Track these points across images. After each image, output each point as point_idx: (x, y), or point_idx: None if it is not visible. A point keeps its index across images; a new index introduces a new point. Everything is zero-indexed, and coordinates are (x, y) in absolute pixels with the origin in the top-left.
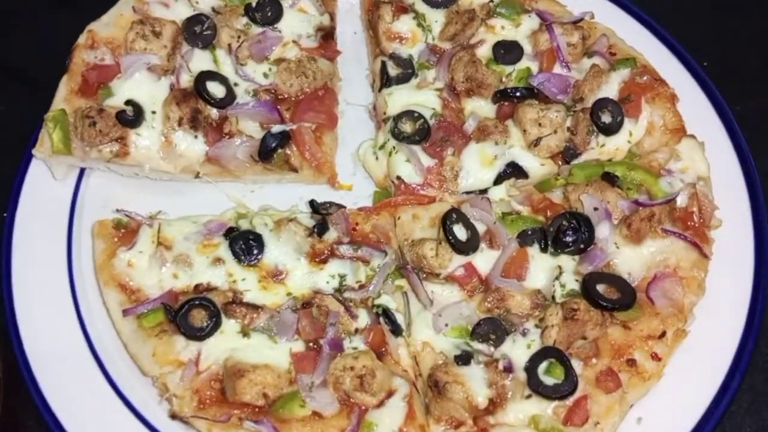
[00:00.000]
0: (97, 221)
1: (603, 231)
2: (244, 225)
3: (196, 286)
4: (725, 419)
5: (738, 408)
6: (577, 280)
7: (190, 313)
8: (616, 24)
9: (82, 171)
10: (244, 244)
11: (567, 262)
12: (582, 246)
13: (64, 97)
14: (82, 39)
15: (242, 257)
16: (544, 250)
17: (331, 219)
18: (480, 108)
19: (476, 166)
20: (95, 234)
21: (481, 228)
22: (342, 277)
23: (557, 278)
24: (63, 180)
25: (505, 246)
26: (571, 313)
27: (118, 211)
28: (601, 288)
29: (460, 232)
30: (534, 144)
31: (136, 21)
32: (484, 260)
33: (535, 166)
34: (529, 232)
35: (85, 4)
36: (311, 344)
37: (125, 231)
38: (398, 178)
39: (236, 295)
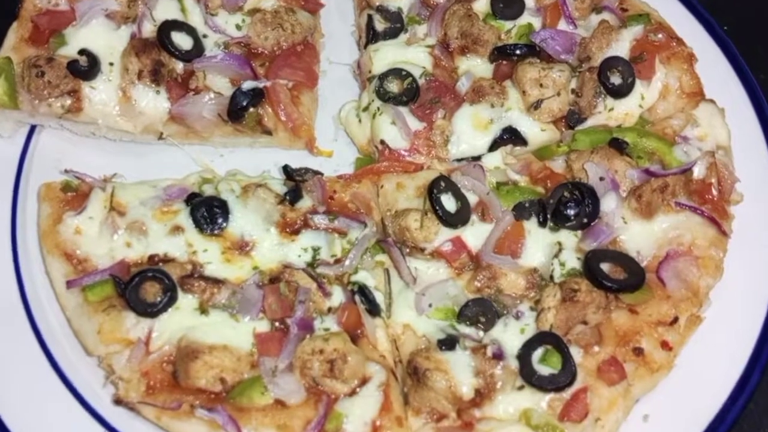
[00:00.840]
0: (44, 183)
1: (609, 203)
2: (208, 191)
3: (151, 257)
4: (743, 418)
5: (756, 406)
6: (578, 258)
7: (141, 287)
8: None
9: (32, 129)
10: (207, 211)
11: (568, 238)
12: (585, 220)
13: (12, 46)
14: None
15: (204, 226)
16: (542, 224)
17: (306, 186)
18: (475, 67)
19: (469, 130)
20: (41, 197)
21: (472, 199)
22: (316, 250)
23: (556, 256)
24: (10, 138)
25: (498, 219)
26: (571, 294)
27: (67, 172)
28: (605, 267)
29: (449, 203)
30: (534, 107)
31: None
32: (475, 234)
33: (535, 131)
34: (527, 204)
35: None
36: (277, 324)
37: (75, 194)
38: (382, 142)
39: (196, 267)
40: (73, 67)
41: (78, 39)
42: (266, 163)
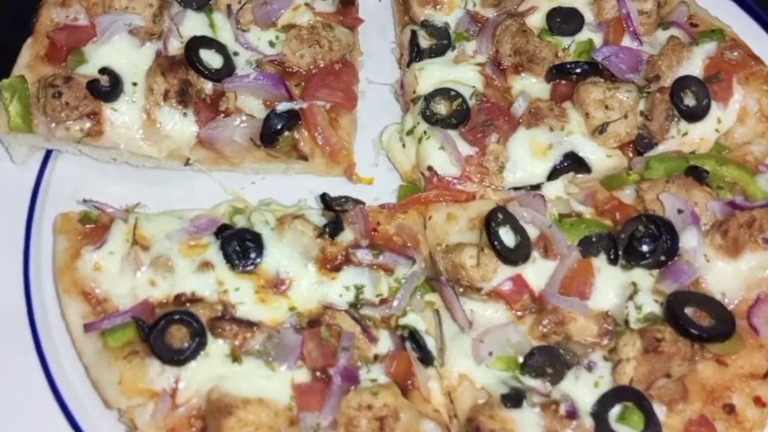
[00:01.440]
0: (60, 214)
1: (689, 239)
2: (240, 222)
3: (178, 297)
4: None
5: None
6: (656, 301)
7: (167, 330)
8: None
9: (48, 154)
10: (240, 245)
11: (643, 277)
12: (662, 258)
13: (27, 64)
14: None
15: (236, 261)
16: (613, 261)
17: (347, 217)
18: (530, 87)
19: (526, 156)
20: (57, 229)
21: (532, 232)
22: (359, 289)
23: (631, 298)
24: (23, 164)
25: (563, 255)
26: (654, 343)
27: (86, 201)
28: (689, 311)
29: (507, 237)
30: (599, 131)
31: None
32: (537, 273)
33: (600, 157)
34: (594, 239)
35: None
36: (318, 374)
37: (94, 226)
38: (430, 168)
39: (227, 308)
40: (93, 87)
41: (99, 56)
42: (301, 190)
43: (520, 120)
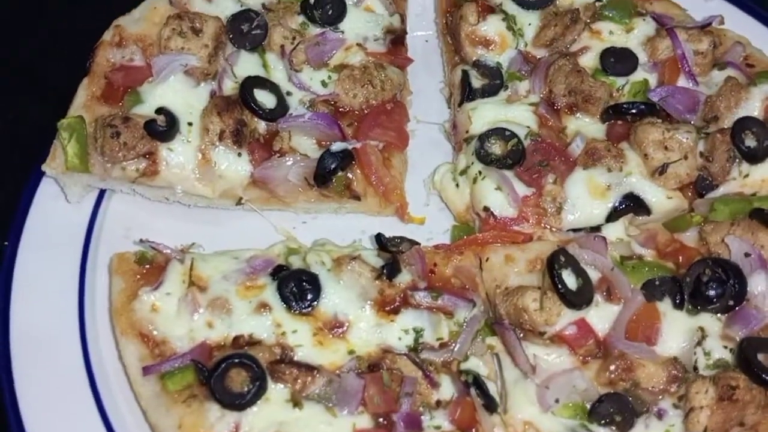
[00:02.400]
0: (116, 254)
1: (758, 283)
2: (295, 263)
3: (236, 339)
4: None
5: None
6: (726, 347)
7: (227, 374)
8: (747, 33)
9: (101, 193)
10: (297, 286)
11: (711, 322)
12: (731, 303)
13: (84, 104)
14: (107, 35)
15: (293, 303)
16: (678, 306)
17: (403, 258)
18: (586, 127)
19: (585, 197)
20: (113, 270)
21: (594, 275)
22: (418, 332)
23: (699, 343)
24: (78, 203)
25: (627, 299)
26: (729, 391)
27: (142, 242)
28: (761, 358)
29: (570, 280)
30: (659, 172)
31: (172, 15)
32: (601, 317)
33: (660, 198)
34: (657, 283)
35: None
36: (381, 420)
37: (150, 267)
38: (486, 209)
39: (285, 351)
40: (150, 128)
41: (155, 97)
42: (352, 230)
43: (577, 161)
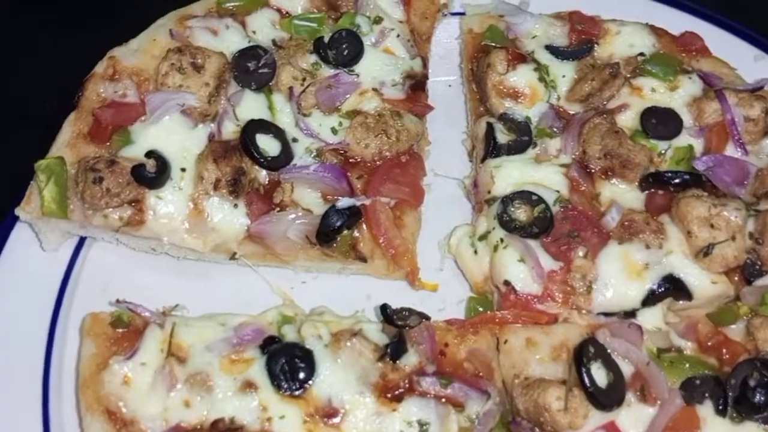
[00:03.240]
0: (90, 314)
1: None
2: (289, 334)
3: (215, 423)
4: None
5: None
6: None
7: None
8: None
9: (81, 241)
10: (288, 363)
11: None
12: None
13: (68, 142)
14: (99, 67)
15: (284, 382)
16: (721, 412)
17: (411, 335)
18: (622, 195)
19: (619, 276)
20: (85, 332)
21: (626, 369)
22: (423, 426)
23: None
24: (54, 251)
25: (664, 401)
26: None
27: (119, 302)
28: None
29: (599, 374)
30: (703, 253)
31: (172, 49)
32: (634, 420)
33: (704, 283)
34: (698, 382)
35: (111, 26)
36: None
37: (126, 331)
38: (507, 283)
39: None
40: (138, 173)
41: (146, 138)
42: (356, 294)
43: (612, 233)
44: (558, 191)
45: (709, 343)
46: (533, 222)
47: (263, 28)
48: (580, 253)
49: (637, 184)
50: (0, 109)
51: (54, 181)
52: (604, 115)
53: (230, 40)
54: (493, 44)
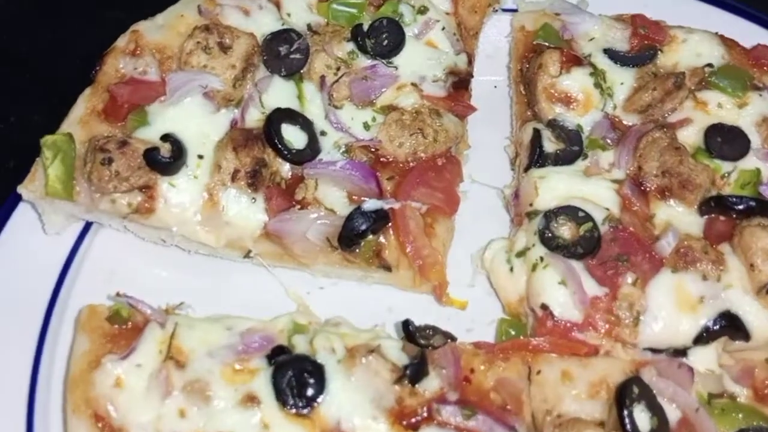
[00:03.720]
0: (87, 306)
1: None
2: (300, 345)
3: None
4: None
5: None
6: None
7: None
8: None
9: (86, 226)
10: (296, 377)
11: None
12: None
13: (81, 118)
14: (121, 41)
15: (290, 398)
16: None
17: (433, 357)
18: (678, 218)
19: (670, 308)
20: (80, 325)
21: (673, 414)
22: None
23: None
24: (57, 235)
25: None
26: None
27: (118, 296)
28: None
29: (641, 418)
30: (766, 290)
31: (199, 27)
32: None
33: (764, 324)
34: None
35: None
36: None
37: (124, 328)
38: (544, 307)
39: None
40: (151, 157)
41: (164, 119)
42: (377, 306)
43: (665, 260)
44: (608, 209)
45: (766, 391)
46: (578, 241)
47: (299, 11)
48: (629, 280)
49: (696, 207)
50: (17, 77)
51: (61, 160)
52: (665, 129)
53: (262, 22)
54: (547, 44)
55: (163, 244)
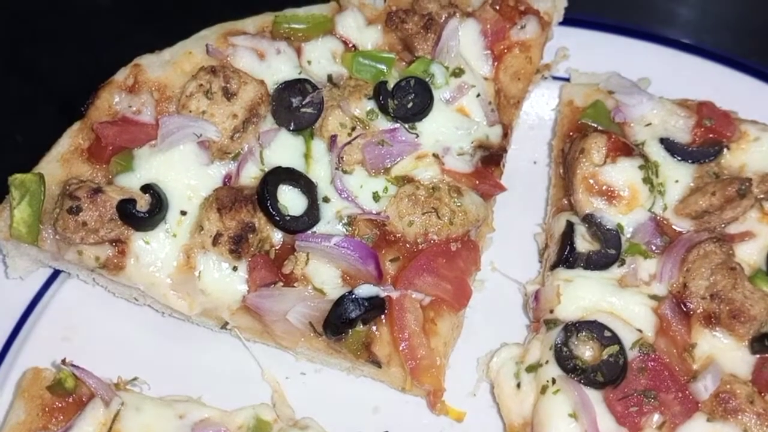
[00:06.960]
0: (32, 368)
1: None
2: None
3: None
4: None
5: None
6: None
7: None
8: None
9: (56, 272)
10: None
11: None
12: None
13: (62, 155)
14: (120, 74)
15: None
16: None
17: None
18: (723, 353)
19: None
20: (21, 389)
21: None
22: None
23: None
24: (20, 280)
25: None
26: None
27: (64, 363)
28: None
29: None
30: None
31: (205, 68)
32: None
33: None
34: None
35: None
36: None
37: (66, 402)
38: None
39: None
40: (124, 210)
41: (150, 166)
42: (362, 402)
43: (700, 405)
44: (640, 330)
45: None
46: (599, 366)
47: (321, 59)
48: (654, 422)
49: (747, 343)
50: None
51: (28, 202)
52: (720, 243)
53: (278, 68)
54: (594, 125)
55: (135, 303)
